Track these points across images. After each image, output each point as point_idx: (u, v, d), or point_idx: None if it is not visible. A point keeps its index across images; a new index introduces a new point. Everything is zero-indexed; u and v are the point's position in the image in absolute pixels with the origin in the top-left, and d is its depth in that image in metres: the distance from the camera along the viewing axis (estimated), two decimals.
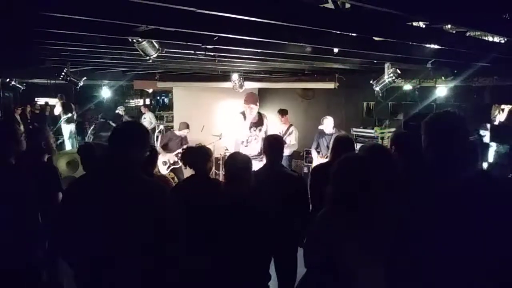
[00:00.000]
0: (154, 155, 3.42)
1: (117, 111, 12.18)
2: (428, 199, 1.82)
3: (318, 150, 6.84)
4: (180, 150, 6.90)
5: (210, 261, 2.39)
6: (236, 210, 2.42)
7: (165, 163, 7.07)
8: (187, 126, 7.19)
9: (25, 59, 6.39)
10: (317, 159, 6.72)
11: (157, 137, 6.99)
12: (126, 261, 1.97)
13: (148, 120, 11.33)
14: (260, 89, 9.50)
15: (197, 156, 2.97)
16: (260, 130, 5.85)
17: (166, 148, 7.16)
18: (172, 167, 7.11)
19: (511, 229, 1.71)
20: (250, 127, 5.82)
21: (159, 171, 6.87)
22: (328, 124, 6.70)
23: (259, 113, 5.91)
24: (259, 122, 5.87)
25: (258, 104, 5.79)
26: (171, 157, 7.08)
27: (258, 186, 2.62)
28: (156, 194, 2.05)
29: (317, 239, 2.04)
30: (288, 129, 7.03)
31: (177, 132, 7.31)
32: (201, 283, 2.38)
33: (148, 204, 1.99)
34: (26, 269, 2.38)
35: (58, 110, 10.07)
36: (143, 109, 12.24)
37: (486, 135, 6.75)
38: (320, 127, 6.81)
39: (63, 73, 6.46)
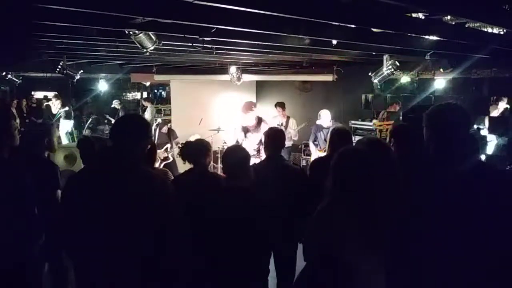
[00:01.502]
0: (153, 150, 3.37)
1: (112, 105, 12.09)
2: (429, 191, 1.81)
3: (316, 143, 6.81)
4: (169, 145, 7.21)
5: (210, 256, 2.38)
6: (236, 204, 2.41)
7: (157, 159, 7.13)
8: (166, 124, 7.83)
9: (20, 52, 6.34)
10: (315, 152, 6.70)
11: (155, 130, 7.00)
12: (127, 255, 1.95)
13: (148, 112, 11.27)
14: (258, 82, 9.46)
15: (196, 149, 2.94)
16: (256, 136, 5.84)
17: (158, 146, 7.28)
18: (164, 162, 7.14)
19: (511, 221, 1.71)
20: (246, 132, 5.81)
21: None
22: (325, 118, 6.54)
23: (259, 118, 5.85)
24: (256, 128, 5.84)
25: (251, 112, 5.71)
26: (161, 152, 7.14)
27: (258, 179, 2.60)
28: (158, 188, 2.03)
29: (316, 233, 2.02)
30: (287, 121, 7.05)
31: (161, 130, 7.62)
32: (201, 277, 2.38)
33: (149, 198, 1.97)
34: (20, 268, 2.33)
35: (56, 107, 10.06)
36: (145, 103, 12.15)
37: (484, 128, 6.75)
38: (317, 122, 6.73)
39: (59, 66, 6.41)
